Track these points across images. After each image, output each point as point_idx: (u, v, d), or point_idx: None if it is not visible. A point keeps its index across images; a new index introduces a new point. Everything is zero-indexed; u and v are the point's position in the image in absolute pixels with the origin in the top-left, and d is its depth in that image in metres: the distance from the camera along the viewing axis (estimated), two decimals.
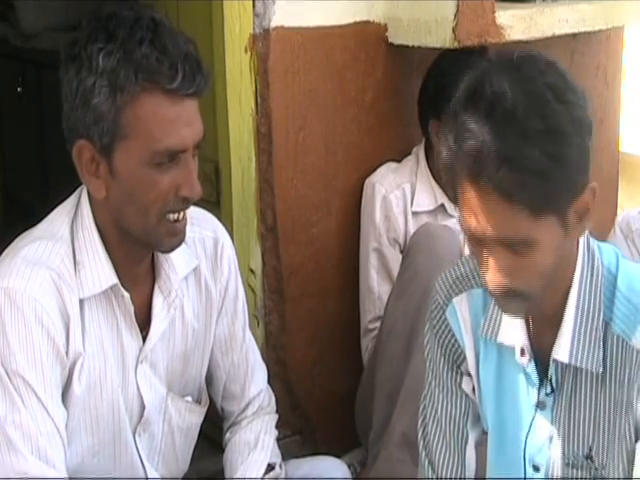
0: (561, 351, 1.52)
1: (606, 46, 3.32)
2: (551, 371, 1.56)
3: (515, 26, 2.59)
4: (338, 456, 2.18)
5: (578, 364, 1.51)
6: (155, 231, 1.61)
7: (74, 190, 1.70)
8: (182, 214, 1.63)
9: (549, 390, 1.57)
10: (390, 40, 2.65)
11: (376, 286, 2.63)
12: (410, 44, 2.59)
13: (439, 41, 2.50)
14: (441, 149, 1.42)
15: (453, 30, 2.46)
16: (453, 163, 1.40)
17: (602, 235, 2.35)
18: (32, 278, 1.57)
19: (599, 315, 1.50)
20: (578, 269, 1.51)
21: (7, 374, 1.55)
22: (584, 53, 3.20)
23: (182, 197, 1.59)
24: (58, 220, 1.67)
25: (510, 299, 1.47)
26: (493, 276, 1.44)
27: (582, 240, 1.52)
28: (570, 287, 1.51)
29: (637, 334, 1.48)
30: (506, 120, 1.34)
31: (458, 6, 2.45)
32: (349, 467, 2.14)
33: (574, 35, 2.89)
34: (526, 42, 2.64)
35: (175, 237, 1.65)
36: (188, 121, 1.57)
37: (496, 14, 2.54)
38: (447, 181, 1.43)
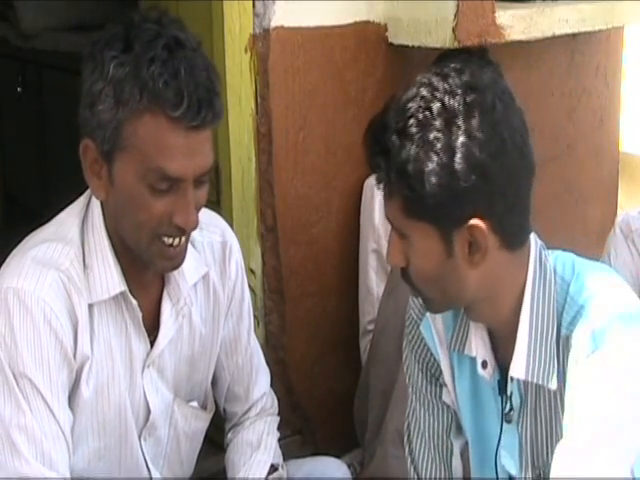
0: (517, 368, 1.50)
1: (606, 46, 3.32)
2: (510, 388, 1.55)
3: (515, 26, 2.59)
4: (338, 456, 2.19)
5: (534, 380, 1.50)
6: (148, 250, 1.58)
7: (74, 190, 1.69)
8: (178, 240, 1.57)
9: (508, 408, 1.56)
10: (390, 40, 2.65)
11: (375, 287, 2.63)
12: (410, 44, 2.59)
13: (439, 41, 2.50)
14: None
15: (453, 30, 2.46)
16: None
17: (602, 235, 2.36)
18: (41, 279, 1.56)
19: (553, 329, 1.49)
20: (529, 286, 1.50)
21: (14, 375, 1.54)
22: (584, 53, 3.20)
23: (175, 225, 1.55)
24: (68, 222, 1.65)
25: (407, 285, 1.54)
26: (389, 251, 1.52)
27: (533, 255, 1.51)
28: (521, 305, 1.50)
29: (577, 329, 1.45)
30: (399, 121, 1.43)
31: (458, 6, 2.45)
32: (349, 467, 2.14)
33: (574, 35, 2.89)
34: (526, 42, 2.65)
35: (168, 261, 1.60)
36: (189, 152, 1.50)
37: (496, 14, 2.54)
38: None
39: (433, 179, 1.38)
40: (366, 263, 2.64)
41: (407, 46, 2.61)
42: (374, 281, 2.63)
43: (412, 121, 1.40)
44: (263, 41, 2.45)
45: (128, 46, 1.49)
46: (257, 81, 2.47)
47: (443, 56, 2.55)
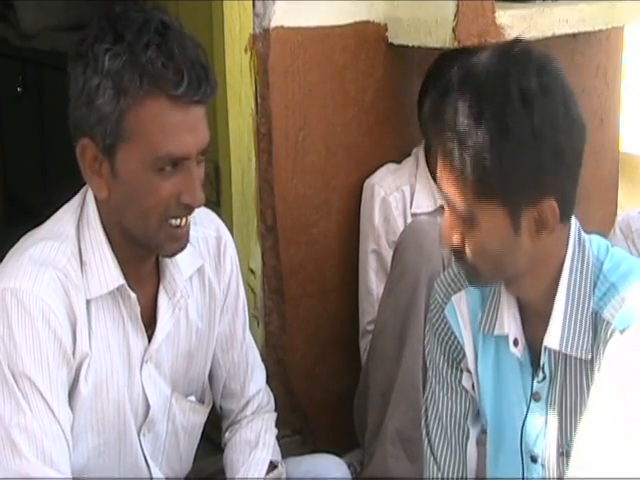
0: (552, 339, 1.54)
1: (606, 46, 3.32)
2: (543, 359, 1.57)
3: (515, 26, 2.59)
4: (338, 456, 2.18)
5: (568, 351, 1.53)
6: (156, 235, 1.60)
7: (74, 190, 1.70)
8: (184, 220, 1.61)
9: (541, 378, 1.59)
10: (390, 40, 2.65)
11: (374, 288, 2.62)
12: (410, 44, 2.59)
13: (439, 41, 2.50)
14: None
15: (453, 30, 2.46)
16: (430, 130, 1.51)
17: (602, 235, 2.35)
18: (39, 278, 1.56)
19: (589, 304, 1.53)
20: (568, 260, 1.54)
21: (13, 375, 1.55)
22: (584, 53, 3.20)
23: (184, 204, 1.58)
24: (64, 219, 1.66)
25: (458, 262, 1.56)
26: (444, 232, 1.53)
27: (573, 232, 1.55)
28: (559, 279, 1.54)
29: (609, 307, 1.50)
30: (473, 105, 1.43)
31: (458, 6, 2.45)
32: (349, 467, 2.14)
33: (574, 35, 2.89)
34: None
35: (176, 242, 1.63)
36: (192, 128, 1.55)
37: (496, 14, 2.54)
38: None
39: (509, 160, 1.41)
40: (366, 263, 2.64)
41: (407, 46, 2.61)
42: (374, 281, 2.63)
43: (486, 105, 1.42)
44: (263, 41, 2.45)
45: (119, 37, 1.51)
46: (257, 81, 2.47)
47: (443, 56, 2.57)
